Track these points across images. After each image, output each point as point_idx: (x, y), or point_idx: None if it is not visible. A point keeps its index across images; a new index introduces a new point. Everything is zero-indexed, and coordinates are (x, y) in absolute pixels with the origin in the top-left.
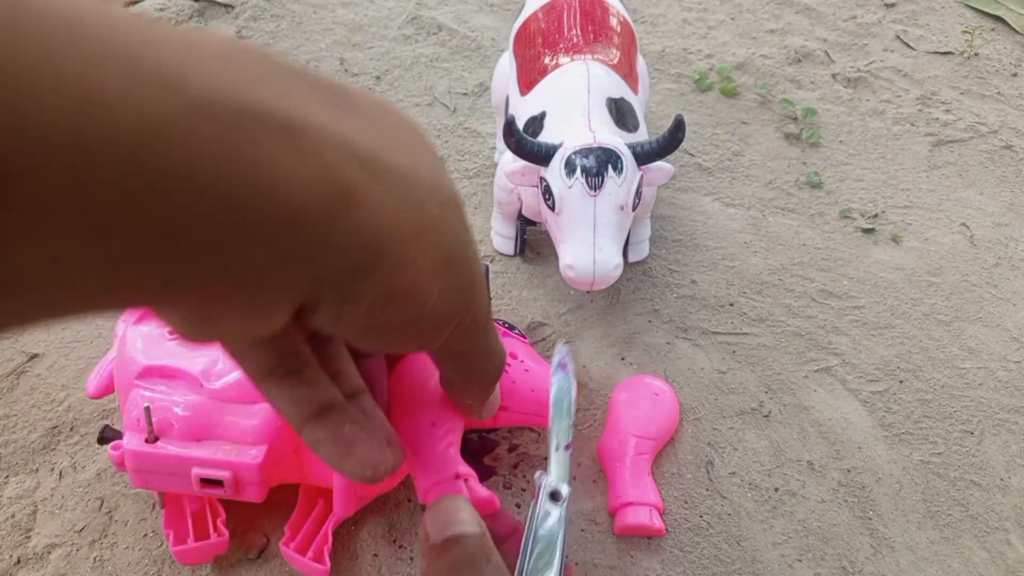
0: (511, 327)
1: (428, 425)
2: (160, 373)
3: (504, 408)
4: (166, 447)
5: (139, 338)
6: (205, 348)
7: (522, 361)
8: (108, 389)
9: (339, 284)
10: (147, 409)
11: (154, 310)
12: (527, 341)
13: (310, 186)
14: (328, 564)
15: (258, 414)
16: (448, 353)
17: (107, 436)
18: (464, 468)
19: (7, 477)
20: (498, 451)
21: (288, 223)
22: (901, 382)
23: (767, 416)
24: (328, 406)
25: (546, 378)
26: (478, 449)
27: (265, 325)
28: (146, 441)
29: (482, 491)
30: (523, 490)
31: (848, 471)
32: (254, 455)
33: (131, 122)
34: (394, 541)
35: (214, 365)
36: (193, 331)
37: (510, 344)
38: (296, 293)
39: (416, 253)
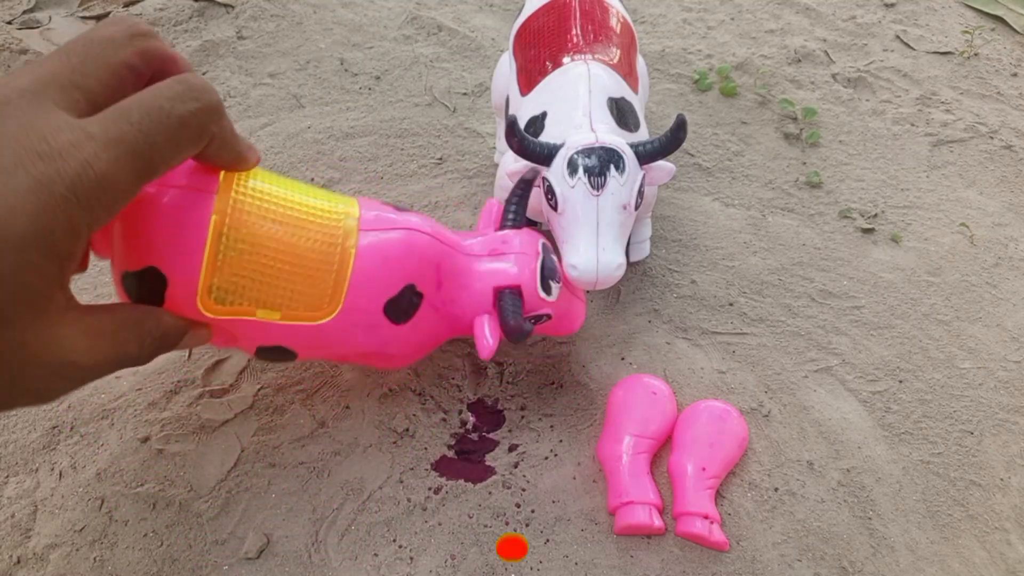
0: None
1: (700, 469)
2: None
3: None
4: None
5: None
6: None
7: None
8: None
9: None
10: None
11: None
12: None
13: None
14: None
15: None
16: None
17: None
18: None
19: (7, 477)
20: (498, 451)
21: None
22: (901, 382)
23: (767, 416)
24: None
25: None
26: (478, 449)
27: None
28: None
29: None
30: (523, 490)
31: (848, 471)
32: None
33: None
34: (394, 541)
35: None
36: None
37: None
38: None
39: None
